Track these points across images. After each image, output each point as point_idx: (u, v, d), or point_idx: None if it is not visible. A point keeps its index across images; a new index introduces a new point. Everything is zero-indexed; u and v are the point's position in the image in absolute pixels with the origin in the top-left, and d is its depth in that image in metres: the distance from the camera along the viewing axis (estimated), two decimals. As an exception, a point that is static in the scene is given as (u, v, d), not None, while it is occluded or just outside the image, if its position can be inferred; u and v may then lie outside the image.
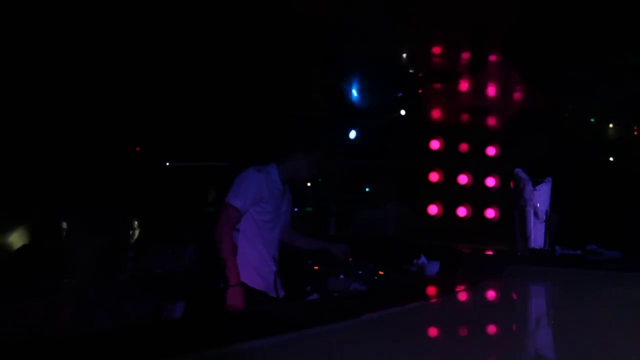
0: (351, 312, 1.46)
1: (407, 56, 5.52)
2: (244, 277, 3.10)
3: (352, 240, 3.96)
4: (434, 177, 6.99)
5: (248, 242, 3.16)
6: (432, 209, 6.92)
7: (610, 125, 6.65)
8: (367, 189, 7.50)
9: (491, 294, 2.30)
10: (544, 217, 3.23)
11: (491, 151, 7.09)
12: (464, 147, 7.09)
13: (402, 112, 6.52)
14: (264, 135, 5.17)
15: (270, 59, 5.49)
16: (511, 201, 3.49)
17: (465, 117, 6.94)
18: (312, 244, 3.59)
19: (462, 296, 2.11)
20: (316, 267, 3.69)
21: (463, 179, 7.00)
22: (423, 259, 3.28)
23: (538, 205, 3.23)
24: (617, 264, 3.21)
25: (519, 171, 3.42)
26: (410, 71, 5.81)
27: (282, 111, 6.00)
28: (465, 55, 5.21)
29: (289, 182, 3.32)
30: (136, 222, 4.84)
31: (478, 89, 6.12)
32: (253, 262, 3.16)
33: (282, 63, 5.59)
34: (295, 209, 6.42)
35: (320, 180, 7.69)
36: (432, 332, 1.50)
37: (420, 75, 5.86)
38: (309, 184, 7.22)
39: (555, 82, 5.29)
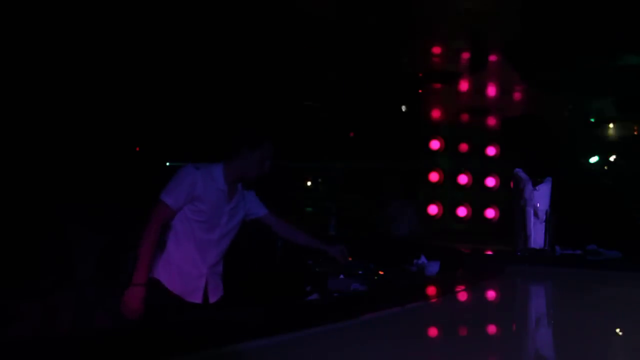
0: (351, 312, 1.46)
1: (407, 56, 5.52)
2: (162, 276, 3.01)
3: (352, 240, 3.96)
4: (434, 177, 6.99)
5: (177, 240, 3.04)
6: (432, 209, 6.93)
7: (611, 125, 6.65)
8: (366, 189, 7.50)
9: (491, 294, 2.30)
10: (544, 217, 3.23)
11: (491, 151, 7.09)
12: (464, 147, 7.09)
13: (403, 108, 6.49)
14: (218, 133, 5.12)
15: (269, 58, 5.49)
16: (511, 201, 3.49)
17: (465, 117, 6.95)
18: (304, 239, 3.53)
19: (462, 296, 2.11)
20: (316, 268, 3.69)
21: (463, 179, 7.01)
22: (423, 259, 3.28)
23: (538, 205, 3.23)
24: (617, 264, 3.21)
25: (519, 171, 3.42)
26: (411, 71, 5.80)
27: (241, 109, 5.93)
28: (465, 55, 5.21)
29: (239, 182, 3.24)
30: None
31: (478, 89, 6.12)
32: (177, 262, 3.02)
33: (281, 63, 5.59)
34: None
35: (320, 180, 7.69)
36: (432, 332, 1.50)
37: (420, 75, 5.86)
38: (309, 183, 7.22)
39: (555, 82, 5.29)
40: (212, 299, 3.14)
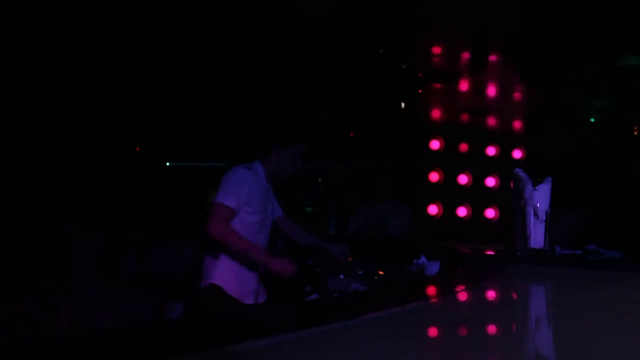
0: (351, 312, 1.46)
1: (407, 56, 5.52)
2: (220, 280, 3.04)
3: (352, 240, 3.96)
4: (434, 177, 7.00)
5: None
6: (432, 209, 6.93)
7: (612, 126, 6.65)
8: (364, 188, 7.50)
9: (491, 294, 2.30)
10: (544, 217, 3.23)
11: (491, 151, 7.10)
12: (464, 147, 7.10)
13: (402, 105, 6.48)
14: (246, 133, 5.14)
15: (268, 58, 5.49)
16: (511, 201, 3.49)
17: (465, 117, 6.95)
18: (310, 240, 3.55)
19: (462, 296, 2.11)
20: (316, 267, 3.69)
21: (463, 179, 7.02)
22: (423, 259, 3.28)
23: (538, 205, 3.23)
24: (617, 264, 3.20)
25: (518, 171, 3.42)
26: (411, 71, 5.80)
27: (269, 107, 5.97)
28: (465, 55, 5.21)
29: (273, 180, 3.28)
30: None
31: (478, 89, 6.13)
32: (234, 267, 3.07)
33: (280, 62, 5.59)
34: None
35: (320, 180, 7.70)
36: (432, 332, 1.50)
37: (420, 75, 5.86)
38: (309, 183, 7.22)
39: (555, 82, 5.29)
40: (260, 300, 3.19)
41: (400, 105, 6.46)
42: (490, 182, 6.99)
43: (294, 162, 3.23)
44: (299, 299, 3.18)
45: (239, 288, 3.11)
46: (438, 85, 6.08)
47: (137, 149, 7.19)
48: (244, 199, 3.04)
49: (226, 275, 3.08)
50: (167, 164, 7.76)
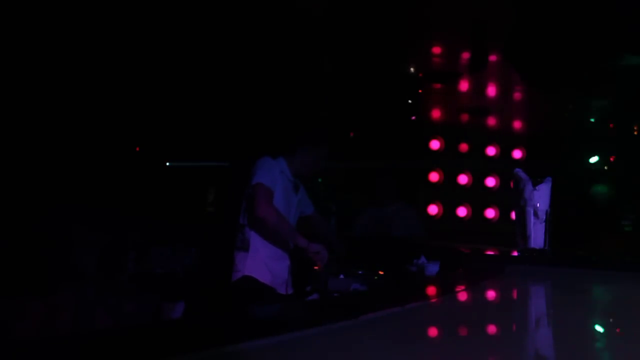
0: (351, 312, 1.46)
1: (407, 56, 5.52)
2: (254, 271, 3.10)
3: (352, 240, 3.96)
4: (434, 177, 7.00)
5: (261, 237, 3.17)
6: (432, 209, 6.93)
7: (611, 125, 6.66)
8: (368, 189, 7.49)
9: (491, 294, 2.30)
10: (544, 217, 3.23)
11: (491, 151, 7.10)
12: (464, 147, 7.10)
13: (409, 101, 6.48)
14: (270, 130, 5.18)
15: (268, 57, 5.48)
16: (511, 201, 3.49)
17: (465, 117, 6.95)
18: (327, 233, 3.62)
19: (462, 296, 2.10)
20: (316, 267, 3.69)
21: (463, 179, 7.02)
22: (423, 259, 3.28)
23: (538, 205, 3.23)
24: (617, 264, 3.21)
25: (518, 171, 3.42)
26: (411, 71, 5.81)
27: (285, 107, 5.99)
28: (465, 55, 5.21)
29: (299, 176, 3.35)
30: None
31: (478, 89, 6.13)
32: (265, 258, 3.16)
33: (280, 62, 5.59)
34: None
35: (320, 180, 7.69)
36: (432, 332, 1.50)
37: (420, 75, 5.86)
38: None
39: (555, 82, 5.29)
40: (290, 291, 3.24)
41: (402, 104, 6.46)
42: (490, 182, 6.99)
43: (316, 163, 3.31)
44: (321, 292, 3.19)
45: (272, 278, 3.16)
46: (438, 85, 6.08)
47: (137, 149, 7.18)
48: (274, 180, 3.12)
49: (259, 266, 3.13)
50: (167, 164, 7.76)
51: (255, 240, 3.15)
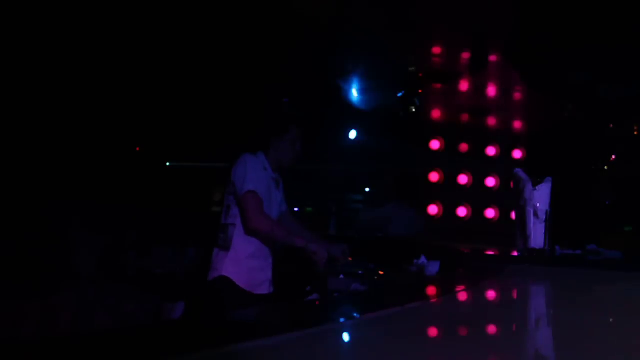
0: (351, 312, 1.47)
1: (407, 56, 5.52)
2: (230, 273, 3.06)
3: (352, 240, 3.96)
4: (434, 177, 7.00)
5: (243, 236, 3.12)
6: (432, 209, 6.93)
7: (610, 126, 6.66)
8: (367, 190, 7.49)
9: (491, 294, 2.30)
10: (544, 217, 3.23)
11: (491, 151, 7.10)
12: (464, 147, 7.10)
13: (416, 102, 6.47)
14: (244, 128, 5.16)
15: (268, 58, 5.49)
16: (511, 201, 3.49)
17: (465, 117, 6.95)
18: (310, 238, 3.57)
19: (462, 296, 2.10)
20: (316, 268, 3.68)
21: (463, 179, 7.02)
22: (423, 259, 3.28)
23: (538, 205, 3.23)
24: (617, 264, 3.21)
25: (519, 171, 3.42)
26: (411, 71, 5.81)
27: (250, 103, 5.97)
28: (465, 55, 5.21)
29: (279, 170, 3.32)
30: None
31: (478, 89, 6.13)
32: (245, 257, 3.11)
33: (280, 62, 5.59)
34: (296, 209, 6.43)
35: (321, 180, 7.69)
36: (432, 332, 1.50)
37: (420, 75, 5.86)
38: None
39: (555, 82, 5.29)
40: (271, 290, 3.22)
41: (403, 104, 6.45)
42: (490, 182, 7.00)
43: (293, 148, 3.27)
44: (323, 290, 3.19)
45: (250, 279, 3.13)
46: (438, 85, 6.08)
47: (137, 148, 7.19)
48: (260, 182, 3.09)
49: (237, 267, 3.10)
50: (168, 164, 7.76)
51: (237, 240, 3.11)
